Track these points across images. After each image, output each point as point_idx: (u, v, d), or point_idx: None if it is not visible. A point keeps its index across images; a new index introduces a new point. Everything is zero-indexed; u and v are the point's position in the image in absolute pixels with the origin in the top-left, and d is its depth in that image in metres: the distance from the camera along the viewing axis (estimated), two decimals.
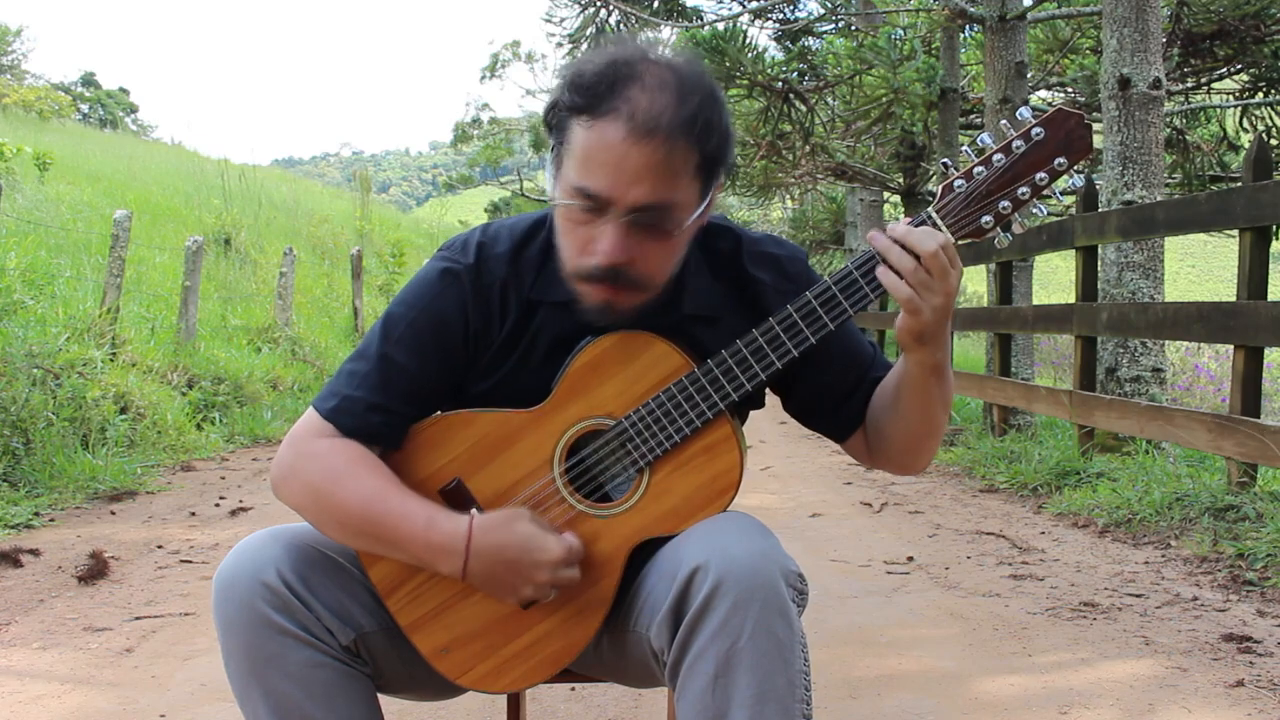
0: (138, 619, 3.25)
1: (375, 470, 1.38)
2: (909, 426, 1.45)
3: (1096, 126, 7.29)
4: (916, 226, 1.34)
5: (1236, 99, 11.69)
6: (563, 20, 13.89)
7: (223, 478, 5.99)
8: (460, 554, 1.33)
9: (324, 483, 1.38)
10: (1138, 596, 3.39)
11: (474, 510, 1.38)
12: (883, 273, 1.32)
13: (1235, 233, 4.53)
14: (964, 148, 1.40)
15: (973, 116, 12.84)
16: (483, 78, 32.40)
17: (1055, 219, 6.52)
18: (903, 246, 1.31)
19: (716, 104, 1.33)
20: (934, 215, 1.35)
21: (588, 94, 1.28)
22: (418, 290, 1.45)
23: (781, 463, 6.73)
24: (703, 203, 1.36)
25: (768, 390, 1.51)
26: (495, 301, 1.44)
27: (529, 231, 1.46)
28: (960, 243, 1.36)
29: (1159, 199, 5.94)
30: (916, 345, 1.35)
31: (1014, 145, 1.34)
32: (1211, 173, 11.72)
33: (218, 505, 5.13)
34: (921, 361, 1.38)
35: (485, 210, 31.10)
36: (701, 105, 1.30)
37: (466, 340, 1.44)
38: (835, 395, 1.49)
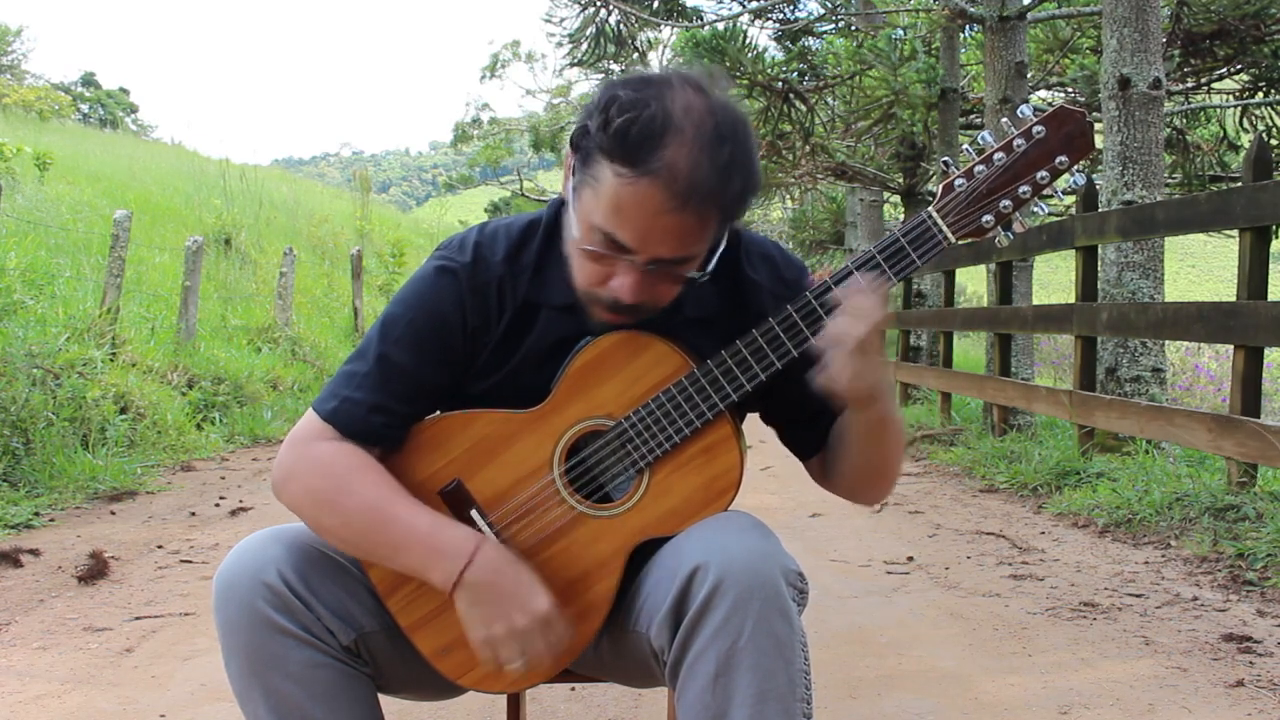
0: (138, 619, 3.25)
1: (378, 477, 1.38)
2: (862, 468, 1.47)
3: (1097, 126, 7.28)
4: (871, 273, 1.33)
5: (1236, 99, 11.69)
6: (563, 20, 13.89)
7: (223, 478, 5.99)
8: (465, 557, 1.33)
9: (325, 488, 1.38)
10: (1138, 596, 3.39)
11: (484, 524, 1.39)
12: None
13: (1235, 233, 4.53)
14: (965, 146, 1.40)
15: (973, 116, 12.83)
16: (483, 78, 32.42)
17: (1055, 219, 6.52)
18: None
19: (749, 152, 1.31)
20: (934, 215, 1.34)
21: (628, 149, 1.26)
22: (415, 289, 1.44)
23: (781, 463, 6.72)
24: (720, 244, 1.38)
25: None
26: (492, 300, 1.43)
27: (525, 231, 1.46)
28: (961, 242, 1.36)
29: (1159, 199, 5.94)
30: (868, 403, 1.37)
31: (1015, 143, 1.33)
32: (1211, 173, 11.71)
33: (218, 505, 5.13)
34: (868, 419, 1.39)
35: (485, 210, 31.07)
36: (735, 165, 1.28)
37: (465, 337, 1.43)
38: (811, 409, 1.47)
